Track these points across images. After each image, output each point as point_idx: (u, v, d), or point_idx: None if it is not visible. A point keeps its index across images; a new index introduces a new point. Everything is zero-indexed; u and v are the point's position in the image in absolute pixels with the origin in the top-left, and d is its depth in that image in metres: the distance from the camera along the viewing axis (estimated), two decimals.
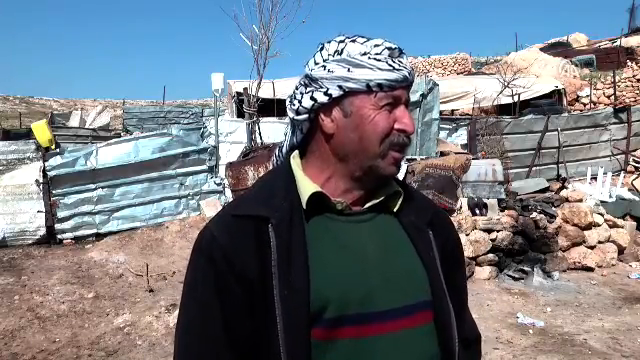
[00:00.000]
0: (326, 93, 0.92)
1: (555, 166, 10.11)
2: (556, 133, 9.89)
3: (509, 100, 12.09)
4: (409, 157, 7.92)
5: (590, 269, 6.48)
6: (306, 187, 0.93)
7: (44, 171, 7.63)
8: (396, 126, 0.92)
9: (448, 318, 0.97)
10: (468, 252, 6.01)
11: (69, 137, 13.12)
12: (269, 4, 10.36)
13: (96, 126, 16.12)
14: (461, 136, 9.86)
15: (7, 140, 9.06)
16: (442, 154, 7.93)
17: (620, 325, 4.74)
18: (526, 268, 6.15)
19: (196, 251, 0.94)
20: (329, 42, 0.95)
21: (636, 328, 4.66)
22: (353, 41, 0.93)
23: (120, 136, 12.21)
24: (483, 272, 6.09)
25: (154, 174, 8.12)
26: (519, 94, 12.01)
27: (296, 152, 1.00)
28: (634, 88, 14.25)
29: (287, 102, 0.99)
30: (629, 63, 16.12)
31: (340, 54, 0.92)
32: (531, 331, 4.58)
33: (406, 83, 0.93)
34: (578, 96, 14.79)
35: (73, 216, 7.79)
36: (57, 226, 7.71)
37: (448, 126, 10.01)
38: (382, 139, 0.92)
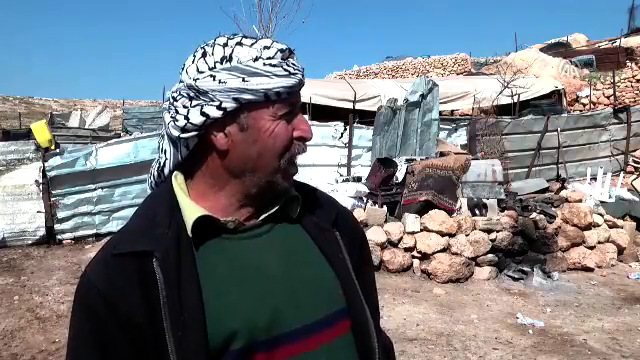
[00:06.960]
0: (219, 107, 0.80)
1: (555, 166, 10.12)
2: (556, 133, 9.89)
3: (509, 100, 12.09)
4: (409, 157, 7.91)
5: (590, 269, 6.48)
6: (190, 212, 0.83)
7: (44, 171, 7.61)
8: (295, 134, 0.85)
9: (366, 325, 0.90)
10: (468, 252, 6.01)
11: (69, 137, 13.14)
12: (269, 4, 10.38)
13: (96, 126, 16.15)
14: (461, 136, 9.84)
15: (7, 140, 9.05)
16: (442, 154, 7.93)
17: (620, 325, 4.74)
18: (526, 268, 6.15)
19: (74, 303, 0.83)
20: (211, 46, 0.83)
21: (636, 328, 4.66)
22: (240, 44, 0.82)
23: (120, 136, 12.21)
24: (483, 272, 6.09)
25: None
26: (519, 94, 12.01)
27: (177, 172, 0.89)
28: (634, 88, 14.28)
29: (166, 117, 0.85)
30: (629, 63, 16.14)
31: (229, 61, 0.81)
32: (531, 331, 4.58)
33: (301, 87, 0.85)
34: (578, 96, 14.81)
35: (73, 216, 7.78)
36: (57, 226, 7.70)
37: (448, 126, 9.98)
38: (282, 153, 0.84)
